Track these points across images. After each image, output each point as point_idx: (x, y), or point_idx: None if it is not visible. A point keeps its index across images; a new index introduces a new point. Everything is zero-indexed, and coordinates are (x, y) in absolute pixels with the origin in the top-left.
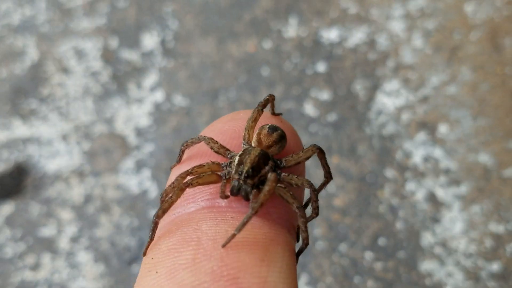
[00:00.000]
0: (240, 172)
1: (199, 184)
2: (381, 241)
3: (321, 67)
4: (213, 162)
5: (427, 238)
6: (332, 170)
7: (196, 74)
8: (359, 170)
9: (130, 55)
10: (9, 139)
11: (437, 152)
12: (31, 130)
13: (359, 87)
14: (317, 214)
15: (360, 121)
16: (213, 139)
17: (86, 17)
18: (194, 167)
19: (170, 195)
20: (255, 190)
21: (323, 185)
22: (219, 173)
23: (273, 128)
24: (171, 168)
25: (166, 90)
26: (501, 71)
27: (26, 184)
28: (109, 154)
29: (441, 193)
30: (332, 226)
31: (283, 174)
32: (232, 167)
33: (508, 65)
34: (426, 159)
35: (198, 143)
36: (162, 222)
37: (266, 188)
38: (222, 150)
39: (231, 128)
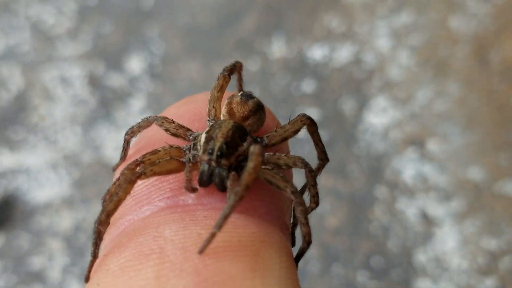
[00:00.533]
0: (210, 151)
1: (155, 174)
2: (374, 261)
3: (307, 86)
4: (171, 146)
5: (419, 256)
6: (321, 190)
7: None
8: (348, 190)
9: (117, 81)
10: None
11: (426, 169)
12: (19, 159)
13: (346, 105)
14: (317, 204)
15: (348, 140)
16: (167, 118)
17: (71, 43)
18: (146, 154)
19: (116, 192)
20: (233, 173)
21: (318, 169)
22: (180, 159)
23: (247, 96)
24: (114, 170)
25: (154, 114)
26: (488, 85)
27: (16, 215)
28: (99, 182)
29: (432, 210)
30: (324, 246)
31: (266, 154)
32: (199, 147)
33: (494, 79)
34: (416, 176)
35: (148, 126)
36: (108, 237)
37: (251, 164)
38: (181, 130)
39: (189, 110)
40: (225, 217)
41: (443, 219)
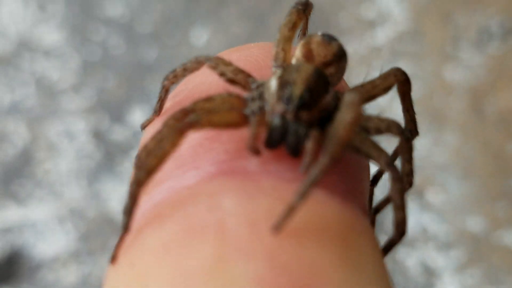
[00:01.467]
0: (288, 98)
1: (211, 125)
2: None
3: None
4: (230, 94)
5: None
6: None
7: None
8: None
9: (121, 134)
10: (3, 224)
11: (426, 218)
12: (25, 213)
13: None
14: (411, 184)
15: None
16: (223, 59)
17: (75, 98)
18: (198, 101)
19: (160, 146)
20: (315, 132)
21: (406, 143)
22: (243, 111)
23: (330, 37)
24: (143, 127)
25: None
26: (483, 135)
27: (22, 270)
28: (104, 235)
29: (432, 261)
30: None
31: None
32: (268, 96)
33: (489, 128)
34: (415, 226)
35: (196, 69)
36: (140, 209)
37: (348, 116)
38: (241, 76)
39: (244, 58)
40: (312, 185)
41: (443, 269)
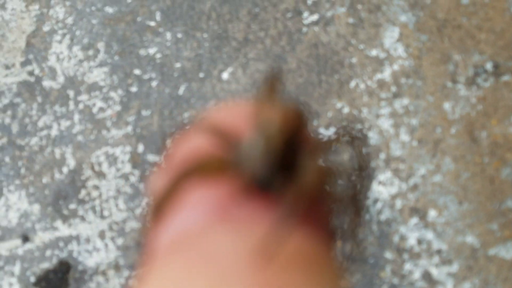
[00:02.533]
0: (259, 157)
1: (205, 180)
2: None
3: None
4: (216, 155)
5: None
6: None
7: None
8: (361, 253)
9: (155, 158)
10: (52, 239)
11: (429, 235)
12: (71, 229)
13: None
14: (361, 216)
15: (360, 208)
16: (212, 124)
17: (115, 126)
18: (192, 161)
19: (163, 195)
20: (285, 180)
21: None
22: (227, 166)
23: (297, 106)
24: (150, 175)
25: None
26: (479, 160)
27: (69, 279)
28: (141, 247)
29: (435, 272)
30: None
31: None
32: (250, 153)
33: (485, 155)
34: (420, 241)
35: (192, 132)
36: (159, 241)
37: (310, 166)
38: (225, 139)
39: (231, 118)
40: (284, 222)
41: (445, 280)
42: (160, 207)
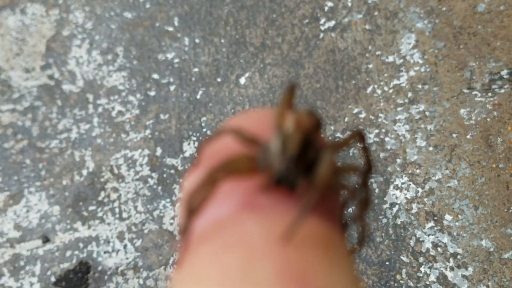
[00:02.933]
0: (283, 158)
1: (233, 175)
2: None
3: None
4: (245, 155)
5: None
6: (354, 257)
7: None
8: (378, 256)
9: (173, 161)
10: (72, 240)
11: (445, 239)
12: (90, 230)
13: (374, 182)
14: (368, 205)
15: (376, 212)
16: (239, 129)
17: (133, 129)
18: (225, 162)
19: (200, 193)
20: (303, 178)
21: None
22: (254, 165)
23: (311, 112)
24: (185, 175)
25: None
26: (494, 165)
27: (88, 279)
28: (160, 248)
29: (451, 275)
30: None
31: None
32: (272, 152)
33: (500, 161)
34: (436, 245)
35: (221, 137)
36: (196, 228)
37: (323, 170)
38: (252, 141)
39: (254, 122)
40: (302, 213)
41: (461, 283)
42: (195, 201)
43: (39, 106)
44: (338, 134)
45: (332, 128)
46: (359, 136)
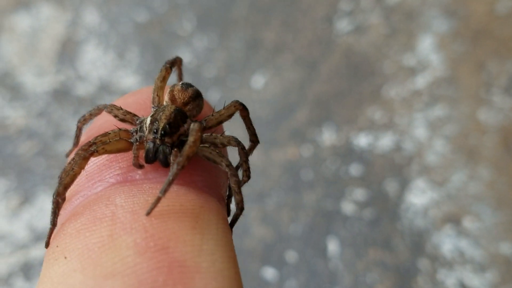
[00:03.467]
0: (155, 130)
1: (106, 152)
2: None
3: (354, 170)
4: (120, 129)
5: None
6: (369, 262)
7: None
8: (393, 262)
9: None
10: None
11: (463, 243)
12: None
13: (390, 187)
14: (248, 177)
15: (392, 218)
16: (115, 105)
17: None
18: (97, 136)
19: (72, 168)
20: (175, 150)
21: (250, 150)
22: (128, 140)
23: (187, 84)
24: (67, 156)
25: None
26: None
27: None
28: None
29: (469, 281)
30: None
31: (204, 134)
32: (145, 128)
33: None
34: (453, 250)
35: (98, 114)
36: (64, 212)
37: (191, 138)
38: (128, 116)
39: (135, 101)
40: (169, 184)
41: None
42: (66, 176)
43: (53, 110)
44: (353, 138)
45: (346, 130)
46: (240, 106)
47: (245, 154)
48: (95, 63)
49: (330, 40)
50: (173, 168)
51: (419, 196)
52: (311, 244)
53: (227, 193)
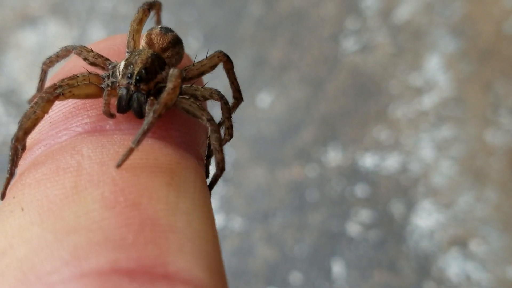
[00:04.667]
0: (129, 75)
1: (73, 97)
2: None
3: (360, 191)
4: (89, 73)
5: None
6: (374, 284)
7: (251, 199)
8: (399, 284)
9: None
10: None
11: (469, 267)
12: None
13: (395, 209)
14: (231, 136)
15: (398, 240)
16: (85, 47)
17: None
18: (64, 79)
19: (34, 111)
20: (151, 98)
21: (233, 107)
22: (100, 85)
23: (166, 28)
24: (29, 102)
25: (226, 214)
26: None
27: None
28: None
29: None
30: None
31: (184, 85)
32: (118, 74)
33: None
34: (459, 273)
35: (66, 56)
36: (23, 162)
37: (170, 85)
38: (100, 60)
39: (108, 46)
40: (144, 134)
41: None
42: (27, 119)
43: None
44: (358, 159)
45: (352, 151)
46: (224, 57)
47: (228, 109)
48: None
49: (336, 59)
50: (149, 116)
51: (425, 218)
52: (316, 265)
53: (206, 153)
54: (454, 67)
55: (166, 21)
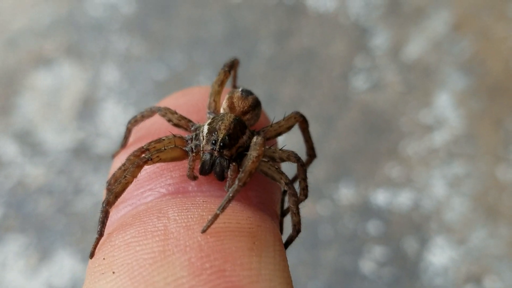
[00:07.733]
0: (213, 141)
1: (161, 161)
2: None
3: (372, 228)
4: (174, 135)
5: None
6: None
7: None
8: None
9: None
10: None
11: None
12: None
13: (408, 246)
14: (306, 196)
15: (411, 277)
16: (170, 109)
17: None
18: (151, 142)
19: (124, 175)
20: (234, 164)
21: (307, 163)
22: (183, 148)
23: (247, 91)
24: (113, 157)
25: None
26: None
27: None
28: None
29: None
30: None
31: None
32: (201, 138)
33: None
34: None
35: (150, 116)
36: (110, 219)
37: (254, 153)
38: (183, 121)
39: (187, 102)
40: (229, 200)
41: None
42: (117, 184)
43: (73, 166)
44: (370, 196)
45: (363, 187)
46: (300, 118)
47: (304, 171)
48: (115, 120)
49: (346, 97)
50: (234, 184)
51: (439, 255)
52: None
53: (281, 211)
54: (464, 104)
55: (179, 61)
